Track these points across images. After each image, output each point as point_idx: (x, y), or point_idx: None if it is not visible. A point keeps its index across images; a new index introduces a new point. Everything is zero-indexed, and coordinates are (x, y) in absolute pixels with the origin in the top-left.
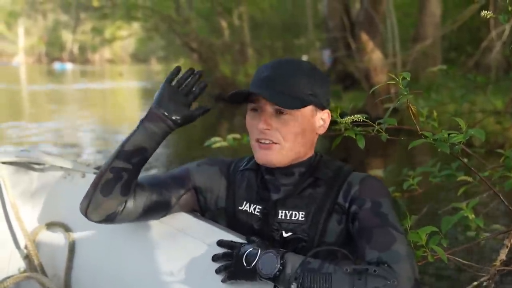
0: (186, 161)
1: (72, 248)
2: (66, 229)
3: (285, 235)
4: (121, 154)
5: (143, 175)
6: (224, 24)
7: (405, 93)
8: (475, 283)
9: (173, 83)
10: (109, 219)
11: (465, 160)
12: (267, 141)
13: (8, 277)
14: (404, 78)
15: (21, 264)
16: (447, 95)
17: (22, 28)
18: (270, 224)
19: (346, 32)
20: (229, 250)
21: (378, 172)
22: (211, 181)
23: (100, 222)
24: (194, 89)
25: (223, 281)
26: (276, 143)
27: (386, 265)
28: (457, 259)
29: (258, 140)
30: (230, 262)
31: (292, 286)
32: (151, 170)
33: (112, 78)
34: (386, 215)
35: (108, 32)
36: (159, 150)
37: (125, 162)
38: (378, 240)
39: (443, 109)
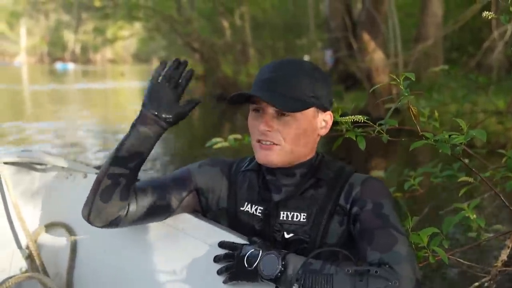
0: (187, 161)
1: (73, 248)
2: (68, 229)
3: (286, 236)
4: (117, 160)
5: (145, 178)
6: (226, 24)
7: (406, 94)
8: (476, 283)
9: (160, 79)
10: (113, 224)
11: (467, 160)
12: (268, 142)
13: (10, 277)
14: (406, 79)
15: (23, 264)
16: (448, 95)
17: (24, 28)
18: (271, 225)
19: (348, 32)
20: (231, 251)
21: (379, 173)
22: (213, 181)
23: (104, 227)
24: (180, 81)
25: (224, 282)
26: (276, 144)
27: (387, 266)
28: (458, 259)
29: (259, 141)
30: (231, 263)
31: (294, 287)
32: (151, 171)
33: (113, 78)
34: (388, 216)
35: (110, 32)
36: (159, 150)
37: (122, 167)
38: (379, 241)
39: (445, 109)
